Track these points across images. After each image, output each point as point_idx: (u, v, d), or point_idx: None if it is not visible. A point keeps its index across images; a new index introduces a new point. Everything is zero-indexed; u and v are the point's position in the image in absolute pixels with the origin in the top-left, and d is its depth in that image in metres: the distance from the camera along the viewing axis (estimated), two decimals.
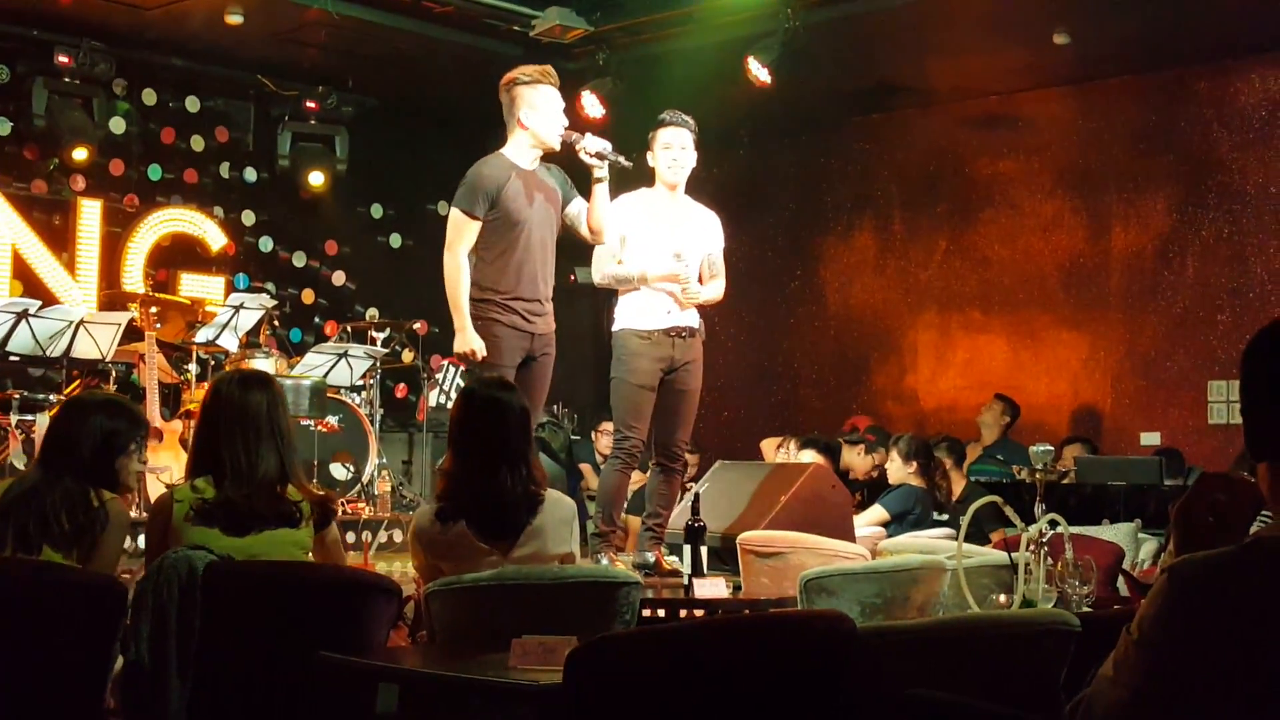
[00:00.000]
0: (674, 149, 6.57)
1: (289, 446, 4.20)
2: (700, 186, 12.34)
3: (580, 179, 6.38)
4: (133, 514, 7.62)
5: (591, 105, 10.15)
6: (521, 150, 6.22)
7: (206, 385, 4.66)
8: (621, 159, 6.29)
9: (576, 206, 6.32)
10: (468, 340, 6.02)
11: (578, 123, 6.44)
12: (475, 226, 6.09)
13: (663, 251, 6.52)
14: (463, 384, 6.31)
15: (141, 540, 7.26)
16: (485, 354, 6.02)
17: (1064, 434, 10.21)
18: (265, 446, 4.12)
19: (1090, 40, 9.75)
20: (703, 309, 6.66)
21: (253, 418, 4.14)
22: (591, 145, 6.19)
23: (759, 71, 9.65)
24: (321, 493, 4.31)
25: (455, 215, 6.13)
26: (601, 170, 6.20)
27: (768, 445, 9.93)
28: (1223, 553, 2.10)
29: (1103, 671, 2.11)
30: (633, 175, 6.50)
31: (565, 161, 6.40)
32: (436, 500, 4.34)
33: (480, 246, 6.12)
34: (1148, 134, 10.56)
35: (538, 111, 6.18)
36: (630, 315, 6.52)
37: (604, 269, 6.56)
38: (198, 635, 3.64)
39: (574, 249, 6.74)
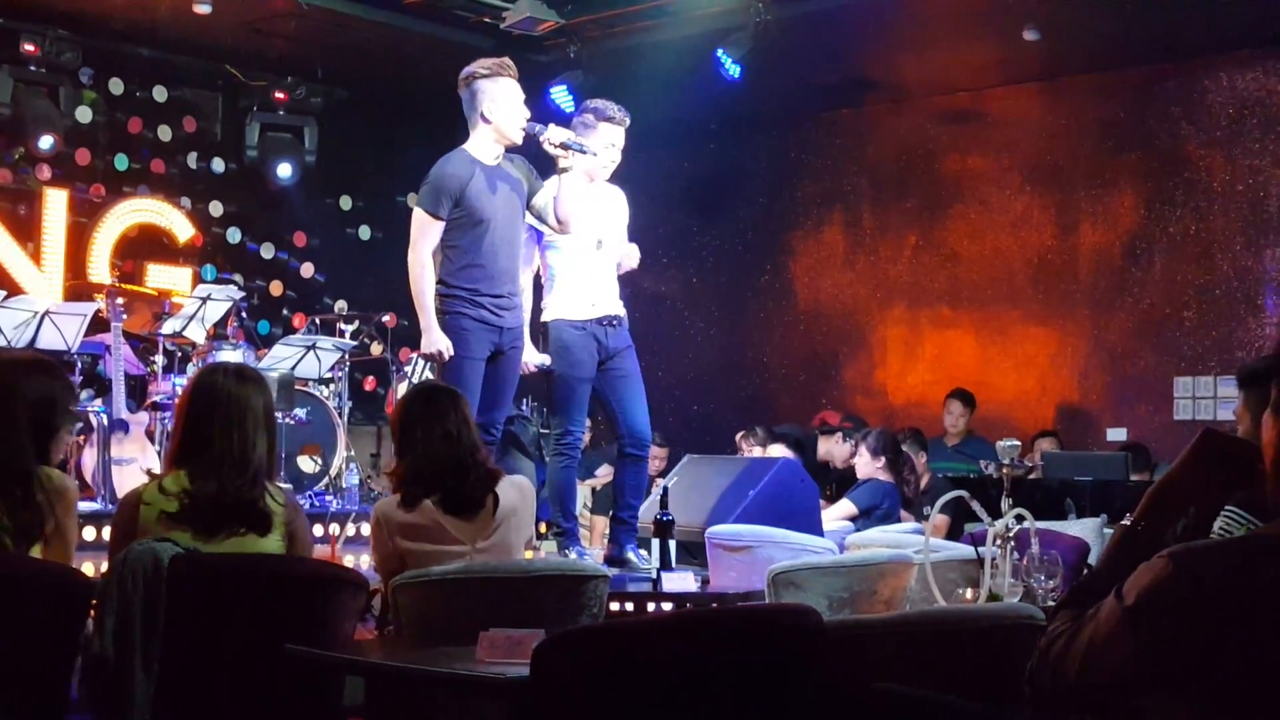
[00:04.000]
0: (616, 148, 6.56)
1: (275, 444, 4.11)
2: (671, 180, 12.39)
3: (544, 169, 6.37)
4: (96, 505, 7.61)
5: (562, 98, 10.13)
6: (484, 145, 6.19)
7: (191, 378, 4.47)
8: (586, 147, 6.30)
9: (543, 197, 6.31)
10: (434, 340, 5.99)
11: (542, 115, 6.42)
12: (439, 226, 6.07)
13: (585, 242, 6.50)
14: (432, 377, 6.29)
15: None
16: (452, 353, 5.99)
17: (1031, 429, 10.25)
18: (259, 436, 4.00)
19: (1060, 37, 9.79)
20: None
21: (251, 409, 4.01)
22: (555, 136, 6.17)
23: (730, 65, 9.65)
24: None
25: (419, 215, 6.11)
26: (567, 161, 6.19)
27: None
28: (1225, 543, 2.14)
29: (1090, 638, 2.12)
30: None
31: (529, 152, 6.38)
32: (397, 488, 4.38)
33: (446, 243, 6.09)
34: (1116, 131, 10.60)
35: (499, 105, 6.15)
36: (562, 305, 6.47)
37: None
38: (163, 628, 3.62)
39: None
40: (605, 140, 6.51)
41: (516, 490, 4.47)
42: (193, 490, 3.88)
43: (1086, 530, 7.15)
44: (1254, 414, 2.29)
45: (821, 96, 11.48)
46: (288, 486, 7.22)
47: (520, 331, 6.25)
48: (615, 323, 6.52)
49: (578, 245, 6.48)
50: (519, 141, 6.22)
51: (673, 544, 5.79)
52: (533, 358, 6.42)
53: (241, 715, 3.65)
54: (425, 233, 6.08)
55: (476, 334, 6.07)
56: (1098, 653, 2.11)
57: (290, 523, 4.01)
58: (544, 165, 6.38)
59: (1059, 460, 9.24)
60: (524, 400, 10.81)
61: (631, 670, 2.81)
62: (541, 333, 6.51)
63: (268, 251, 12.02)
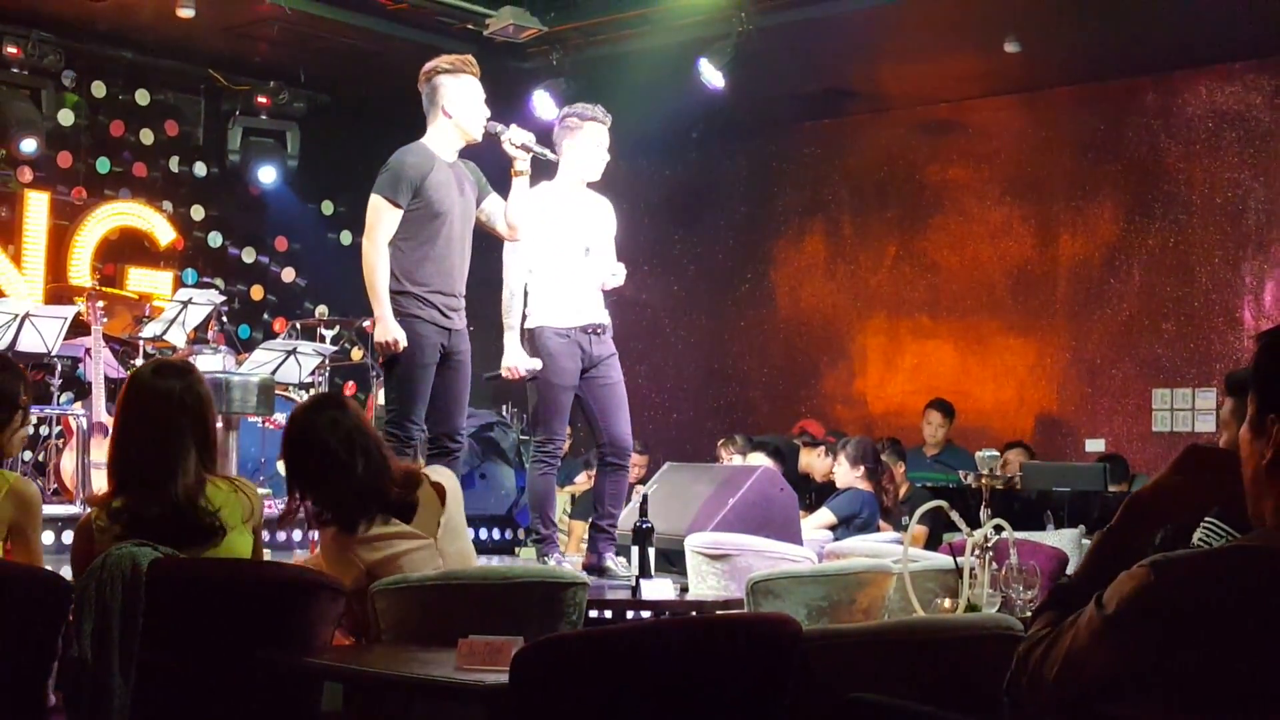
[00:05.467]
0: (604, 147, 6.54)
1: (212, 442, 3.89)
2: (652, 188, 12.40)
3: (491, 172, 6.35)
4: (75, 509, 7.58)
5: (544, 105, 10.13)
6: (444, 141, 6.14)
7: (124, 382, 4.08)
8: (548, 152, 6.26)
9: (493, 203, 6.27)
10: (388, 330, 5.92)
11: (524, 122, 6.40)
12: (397, 215, 5.98)
13: (573, 249, 6.48)
14: (387, 377, 6.15)
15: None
16: (406, 343, 5.93)
17: (1010, 440, 10.27)
18: (185, 443, 3.80)
19: (1040, 49, 9.83)
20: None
21: (172, 414, 3.80)
22: (517, 137, 6.14)
23: (712, 74, 9.67)
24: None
25: (377, 202, 6.00)
26: (524, 163, 6.16)
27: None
28: (1206, 554, 2.16)
29: (1069, 645, 2.14)
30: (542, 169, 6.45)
31: (475, 155, 6.37)
32: (328, 528, 4.21)
33: (400, 237, 6.00)
34: (1096, 143, 10.65)
35: (462, 102, 6.11)
36: (547, 312, 6.42)
37: (513, 282, 6.44)
38: (141, 632, 3.61)
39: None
40: (592, 140, 6.49)
41: (445, 476, 4.43)
42: (131, 511, 3.75)
43: (1065, 541, 7.18)
44: (1239, 423, 2.30)
45: (803, 106, 11.51)
46: (266, 492, 7.21)
47: (466, 335, 6.20)
48: (600, 330, 6.50)
49: (565, 252, 6.46)
50: (479, 139, 6.18)
51: (652, 552, 5.78)
52: (523, 363, 6.38)
53: None
54: (383, 220, 5.98)
55: (430, 338, 6.01)
56: (1077, 660, 2.12)
57: (250, 517, 3.94)
58: (492, 175, 6.36)
59: (1037, 471, 9.27)
60: (504, 406, 10.82)
61: (610, 678, 2.81)
62: (525, 339, 6.47)
63: (249, 256, 12.01)
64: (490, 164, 6.38)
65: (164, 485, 3.77)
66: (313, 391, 9.70)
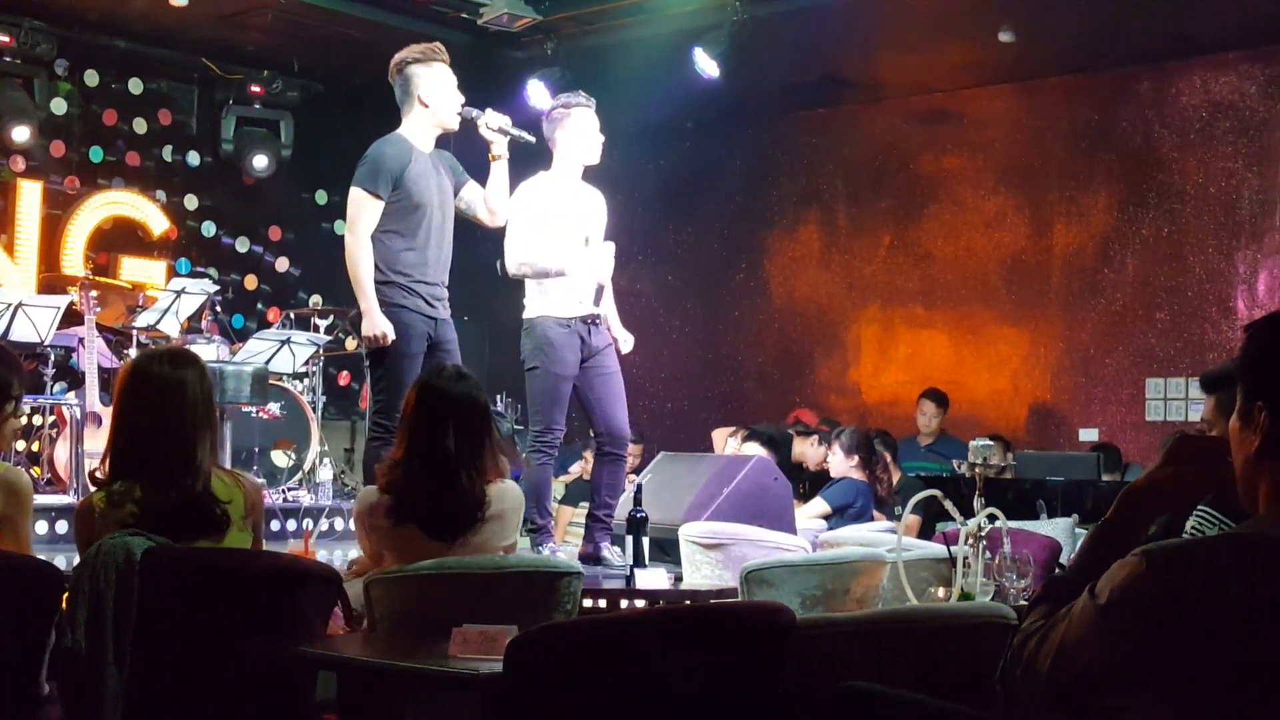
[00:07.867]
0: (596, 129, 6.51)
1: (218, 430, 3.95)
2: (647, 178, 12.39)
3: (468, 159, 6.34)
4: (69, 498, 7.58)
5: (539, 94, 10.12)
6: (421, 131, 6.14)
7: (125, 367, 4.05)
8: (525, 134, 6.24)
9: (471, 190, 6.26)
10: (376, 323, 5.90)
11: (519, 111, 6.39)
12: (379, 207, 5.98)
13: (572, 239, 6.46)
14: (373, 368, 6.11)
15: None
16: (394, 336, 5.91)
17: (1004, 429, 10.29)
18: (202, 432, 3.84)
19: (1035, 38, 9.83)
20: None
21: (190, 402, 3.83)
22: (493, 120, 6.13)
23: (706, 63, 9.66)
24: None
25: (358, 195, 6.01)
26: (501, 146, 6.14)
27: (719, 435, 9.93)
28: (1198, 542, 2.17)
29: (1063, 634, 2.15)
30: (531, 156, 6.43)
31: (451, 144, 6.36)
32: (385, 492, 4.20)
33: (382, 228, 6.00)
34: (1090, 133, 10.65)
35: (437, 90, 6.11)
36: (547, 302, 6.40)
37: (519, 257, 6.39)
38: (135, 621, 3.60)
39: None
40: (583, 126, 6.45)
41: (504, 499, 4.32)
42: (145, 501, 3.76)
43: (1058, 530, 7.19)
44: (1221, 417, 2.32)
45: (798, 95, 11.50)
46: (261, 482, 7.20)
47: (451, 325, 6.20)
48: (597, 321, 6.50)
49: (565, 243, 6.44)
50: (455, 127, 6.17)
51: (646, 541, 5.78)
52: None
53: (214, 709, 3.64)
54: (364, 212, 5.99)
55: (416, 327, 6.00)
56: (1071, 649, 2.13)
57: (251, 513, 3.96)
58: (468, 163, 6.35)
59: (1031, 460, 9.27)
60: (499, 396, 10.81)
61: (604, 667, 2.82)
62: (525, 330, 6.46)
63: (242, 245, 11.99)
64: (472, 153, 6.37)
65: (182, 475, 3.79)
66: (307, 381, 9.71)
